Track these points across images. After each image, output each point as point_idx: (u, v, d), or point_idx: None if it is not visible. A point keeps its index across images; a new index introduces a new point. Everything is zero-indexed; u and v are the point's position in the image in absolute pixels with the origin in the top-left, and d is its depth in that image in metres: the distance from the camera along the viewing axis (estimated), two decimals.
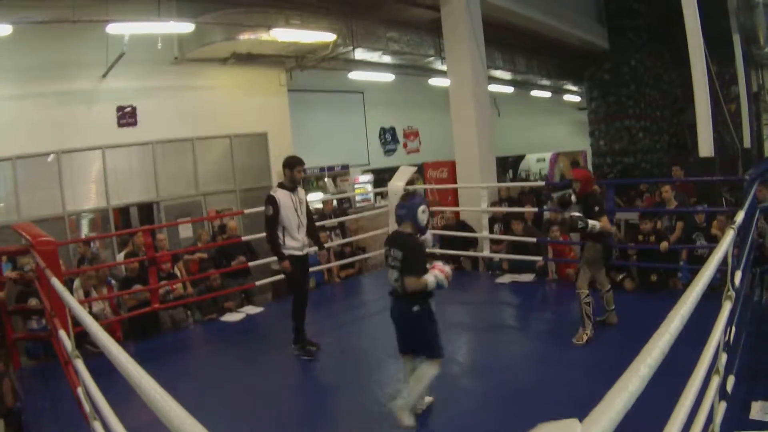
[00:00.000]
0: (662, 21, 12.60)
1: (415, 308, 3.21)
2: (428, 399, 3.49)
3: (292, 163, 4.56)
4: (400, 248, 3.25)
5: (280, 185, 4.62)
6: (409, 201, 3.34)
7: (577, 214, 4.36)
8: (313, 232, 4.85)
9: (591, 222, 4.27)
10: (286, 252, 4.53)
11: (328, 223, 7.49)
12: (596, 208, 4.37)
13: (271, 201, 4.49)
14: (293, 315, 4.62)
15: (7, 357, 4.65)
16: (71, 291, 5.09)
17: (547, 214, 7.59)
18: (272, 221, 4.50)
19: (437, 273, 3.17)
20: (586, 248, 4.52)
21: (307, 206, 4.79)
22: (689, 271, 5.59)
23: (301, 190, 4.72)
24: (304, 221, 4.67)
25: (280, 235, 4.53)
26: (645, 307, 4.96)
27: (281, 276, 6.71)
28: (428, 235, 3.68)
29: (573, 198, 4.54)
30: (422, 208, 3.28)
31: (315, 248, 5.13)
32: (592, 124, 14.25)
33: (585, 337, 4.29)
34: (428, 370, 3.26)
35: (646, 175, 12.77)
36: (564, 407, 3.31)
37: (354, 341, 5.04)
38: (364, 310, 6.16)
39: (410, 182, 8.27)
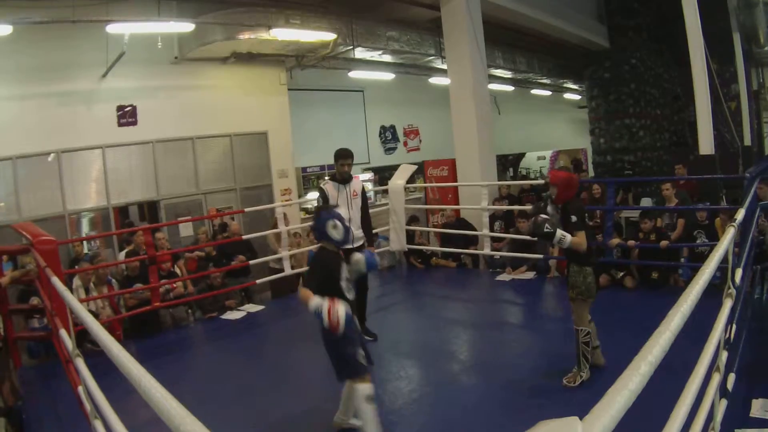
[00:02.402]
0: (662, 19, 12.58)
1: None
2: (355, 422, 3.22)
3: (336, 156, 4.63)
4: None
5: (332, 177, 4.71)
6: (316, 222, 3.18)
7: (545, 216, 3.57)
8: (366, 226, 4.73)
9: (560, 232, 3.50)
10: None
11: None
12: (573, 218, 3.55)
13: (320, 191, 4.63)
14: None
15: (8, 356, 4.66)
16: (71, 289, 5.10)
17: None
18: None
19: (324, 305, 2.81)
20: (572, 274, 3.65)
21: (364, 199, 4.77)
22: (690, 268, 5.59)
23: (356, 183, 4.70)
24: (356, 215, 4.64)
25: None
26: (646, 305, 4.97)
27: (281, 274, 6.77)
28: (368, 255, 3.42)
29: (549, 208, 3.72)
30: (331, 223, 3.11)
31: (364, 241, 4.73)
32: (592, 122, 14.22)
33: (579, 379, 3.62)
34: (356, 394, 2.93)
35: (647, 173, 12.76)
36: (564, 405, 3.33)
37: None
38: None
39: (410, 180, 8.29)
